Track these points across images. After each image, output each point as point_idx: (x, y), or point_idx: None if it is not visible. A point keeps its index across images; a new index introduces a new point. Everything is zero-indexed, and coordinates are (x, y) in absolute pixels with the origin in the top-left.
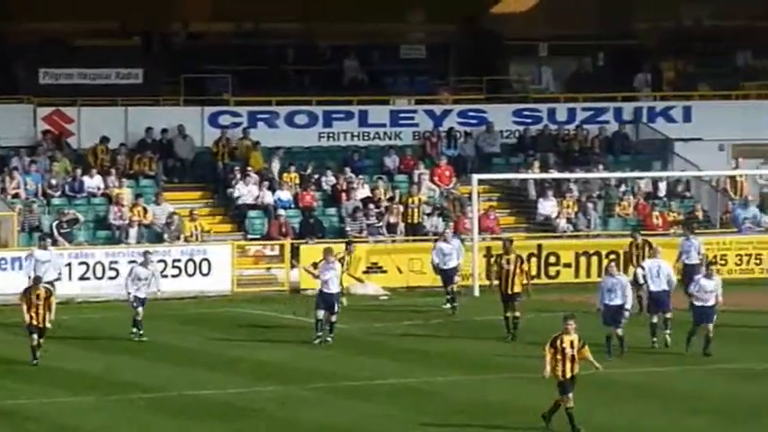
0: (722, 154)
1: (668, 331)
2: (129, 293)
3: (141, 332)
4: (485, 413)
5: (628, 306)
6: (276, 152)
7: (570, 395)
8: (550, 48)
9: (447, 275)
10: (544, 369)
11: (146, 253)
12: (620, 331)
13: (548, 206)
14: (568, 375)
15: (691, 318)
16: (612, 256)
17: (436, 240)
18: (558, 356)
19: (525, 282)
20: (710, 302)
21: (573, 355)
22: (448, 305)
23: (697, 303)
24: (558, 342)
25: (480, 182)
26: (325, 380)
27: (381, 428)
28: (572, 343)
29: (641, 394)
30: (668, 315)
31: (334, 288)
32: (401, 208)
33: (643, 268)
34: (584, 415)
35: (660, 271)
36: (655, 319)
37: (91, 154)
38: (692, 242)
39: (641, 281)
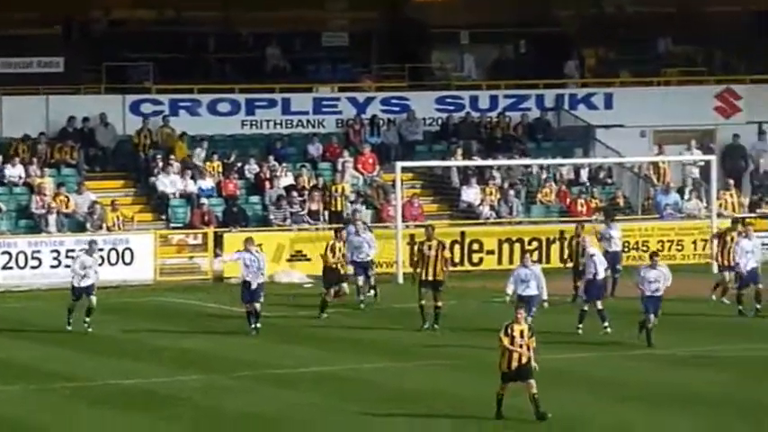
0: (644, 140)
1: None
2: (73, 282)
3: (88, 320)
4: (410, 400)
5: (544, 296)
6: (198, 141)
7: (532, 381)
8: (472, 35)
9: (361, 268)
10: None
11: (91, 242)
12: (529, 320)
13: (471, 193)
14: (514, 366)
15: (641, 308)
16: (535, 243)
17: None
18: (508, 344)
19: (446, 269)
20: (658, 293)
21: (521, 344)
22: (366, 296)
23: (646, 293)
24: (510, 330)
25: (404, 169)
26: (250, 368)
27: (306, 416)
28: (522, 332)
29: (565, 381)
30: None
31: (257, 278)
32: (327, 195)
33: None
34: (509, 402)
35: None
36: (600, 306)
37: (12, 145)
38: (612, 229)
39: (593, 269)
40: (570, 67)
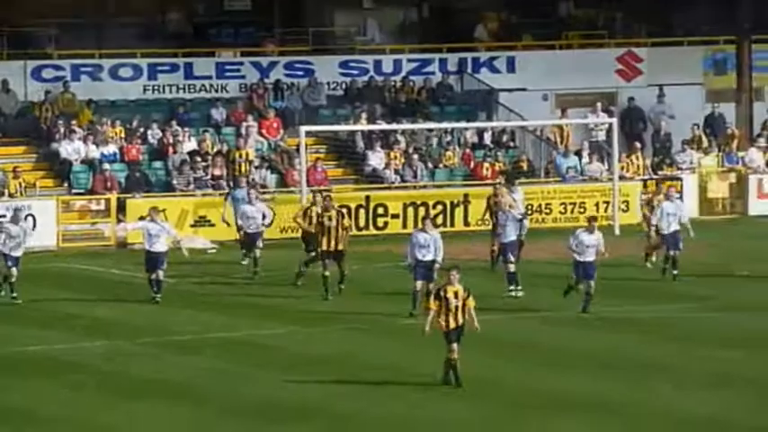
0: (546, 104)
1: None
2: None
3: (14, 295)
4: (318, 364)
5: (439, 260)
6: (100, 105)
7: (455, 346)
8: None
9: (251, 239)
10: (427, 325)
11: (15, 210)
12: (431, 285)
13: (375, 158)
14: (452, 326)
15: (572, 273)
16: (440, 207)
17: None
18: (443, 307)
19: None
20: (591, 258)
21: (457, 306)
22: (246, 262)
23: (578, 258)
24: (442, 293)
25: (308, 134)
26: (154, 335)
27: (211, 382)
28: (456, 293)
29: (471, 344)
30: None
31: (160, 247)
32: (231, 161)
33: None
34: (429, 369)
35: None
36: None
37: None
38: (514, 193)
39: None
40: (480, 30)
